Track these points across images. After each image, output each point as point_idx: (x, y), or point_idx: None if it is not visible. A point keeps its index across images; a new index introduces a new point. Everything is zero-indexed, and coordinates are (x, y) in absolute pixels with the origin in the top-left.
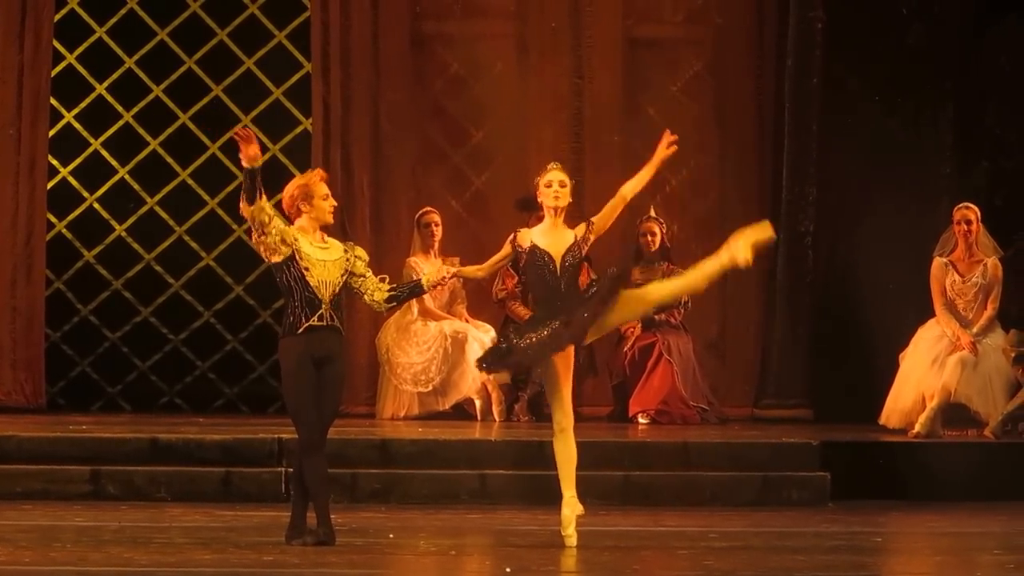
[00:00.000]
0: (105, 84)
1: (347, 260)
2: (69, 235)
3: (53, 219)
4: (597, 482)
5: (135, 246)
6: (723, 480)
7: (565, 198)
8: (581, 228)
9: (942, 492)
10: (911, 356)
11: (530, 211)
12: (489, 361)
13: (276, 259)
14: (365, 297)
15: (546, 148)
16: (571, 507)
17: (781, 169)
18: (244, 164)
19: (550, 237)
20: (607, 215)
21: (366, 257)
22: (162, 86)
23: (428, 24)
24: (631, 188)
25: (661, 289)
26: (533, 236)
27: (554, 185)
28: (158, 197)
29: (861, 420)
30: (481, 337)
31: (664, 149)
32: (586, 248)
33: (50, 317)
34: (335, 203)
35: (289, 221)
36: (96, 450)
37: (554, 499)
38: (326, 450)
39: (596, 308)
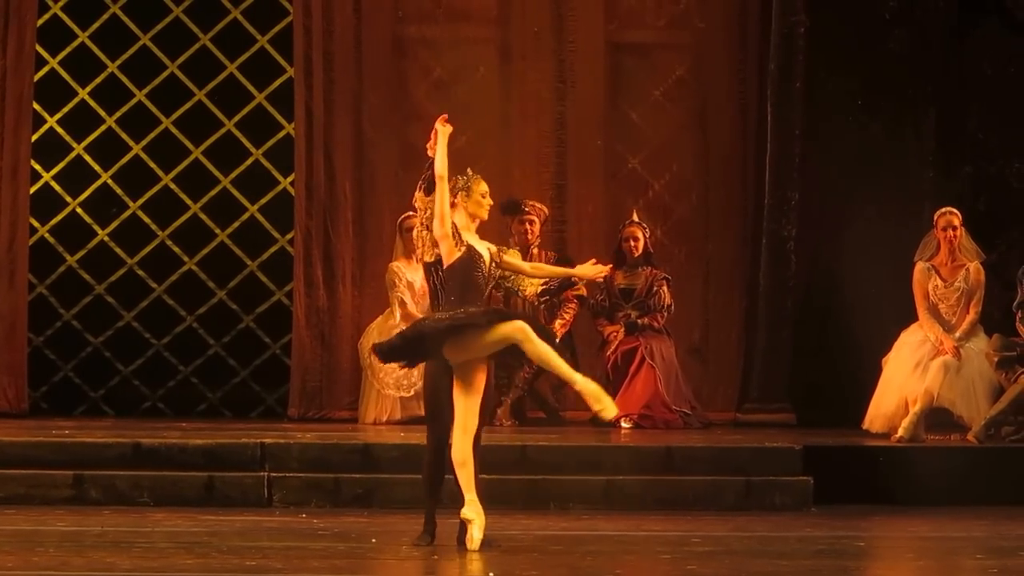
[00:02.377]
0: (88, 89)
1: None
2: (52, 240)
3: (36, 224)
4: (579, 486)
5: (118, 251)
6: (706, 484)
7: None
8: (493, 248)
9: (925, 496)
10: (894, 360)
11: (514, 215)
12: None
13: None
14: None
15: (529, 152)
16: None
17: (763, 173)
18: (429, 153)
19: (478, 243)
20: (511, 265)
21: (518, 256)
22: (145, 91)
23: (410, 29)
24: (539, 272)
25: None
26: (467, 238)
27: (488, 196)
28: (141, 202)
29: (844, 424)
30: None
31: (590, 270)
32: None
33: (33, 322)
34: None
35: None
36: (79, 455)
37: (538, 503)
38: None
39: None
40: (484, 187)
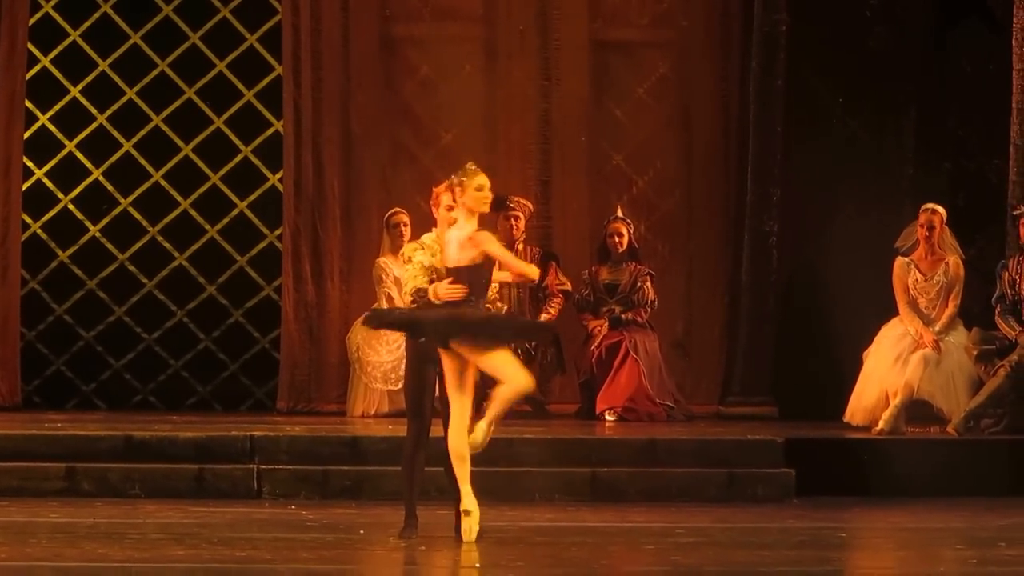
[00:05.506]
0: (79, 87)
1: None
2: (44, 236)
3: (28, 220)
4: (565, 478)
5: (109, 246)
6: (689, 476)
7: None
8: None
9: (905, 488)
10: (874, 354)
11: (499, 211)
12: (374, 321)
13: None
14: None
15: (514, 149)
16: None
17: (746, 170)
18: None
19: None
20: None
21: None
22: (135, 88)
23: (397, 27)
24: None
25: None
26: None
27: (485, 189)
28: (132, 198)
29: (825, 417)
30: None
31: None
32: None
33: (25, 316)
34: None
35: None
36: (71, 447)
37: (523, 495)
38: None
39: (492, 332)
40: (479, 180)
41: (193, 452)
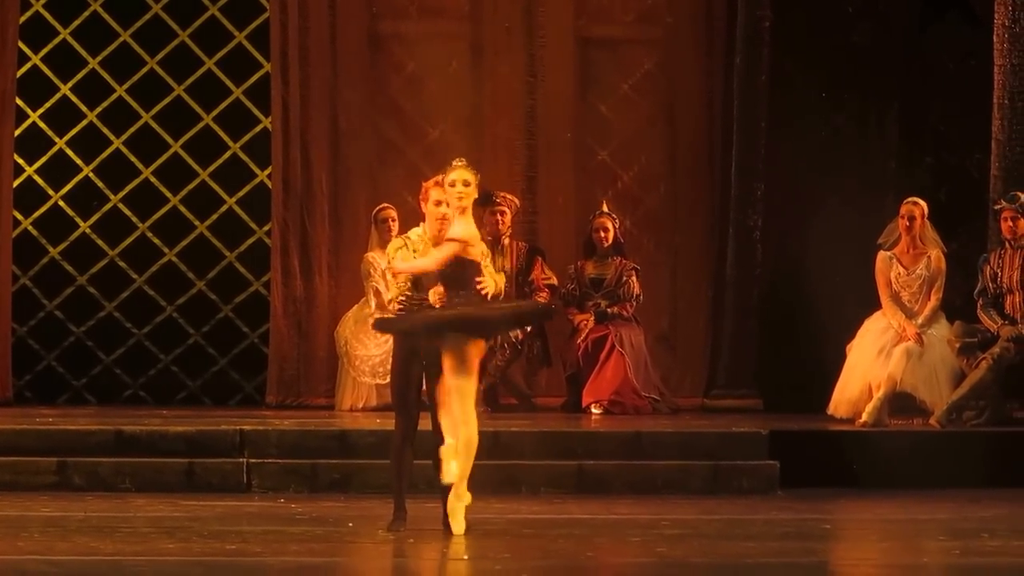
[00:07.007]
0: (69, 84)
1: None
2: (35, 232)
3: (19, 217)
4: (551, 471)
5: (99, 243)
6: (675, 469)
7: (469, 197)
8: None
9: (889, 480)
10: (858, 347)
11: (485, 206)
12: (383, 325)
13: None
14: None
15: (500, 145)
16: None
17: (730, 165)
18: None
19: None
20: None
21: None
22: (125, 86)
23: (385, 24)
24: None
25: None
26: (452, 230)
27: (458, 185)
28: (122, 195)
29: (809, 410)
30: None
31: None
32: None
33: (17, 312)
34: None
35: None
36: (62, 442)
37: (510, 488)
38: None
39: (499, 318)
40: (452, 176)
41: (183, 446)
